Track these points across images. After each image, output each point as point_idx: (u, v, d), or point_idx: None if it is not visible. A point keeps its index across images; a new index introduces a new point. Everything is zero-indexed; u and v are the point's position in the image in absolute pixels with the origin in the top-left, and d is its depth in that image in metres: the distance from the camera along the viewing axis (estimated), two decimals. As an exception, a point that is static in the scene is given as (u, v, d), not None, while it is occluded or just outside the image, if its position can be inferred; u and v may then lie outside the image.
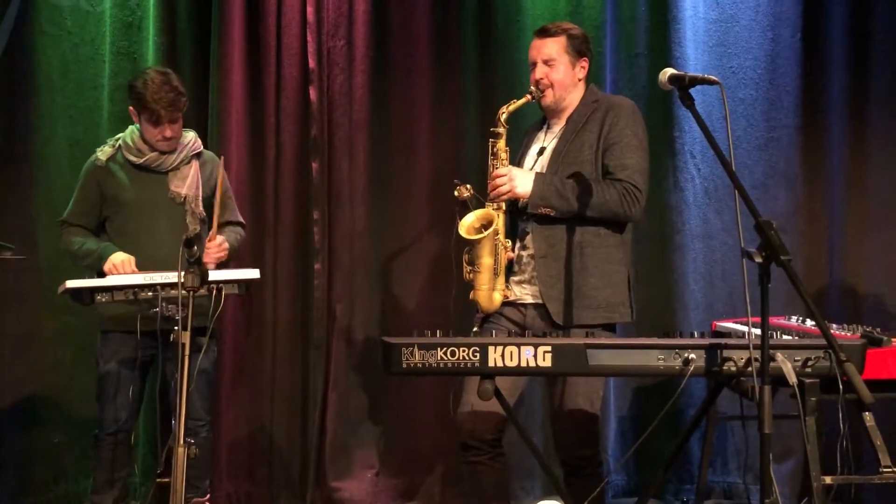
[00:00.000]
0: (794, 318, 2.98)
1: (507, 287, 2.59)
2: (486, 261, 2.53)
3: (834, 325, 2.82)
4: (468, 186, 2.55)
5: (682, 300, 3.68)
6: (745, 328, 2.85)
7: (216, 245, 2.83)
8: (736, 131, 3.70)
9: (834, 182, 3.70)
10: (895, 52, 3.64)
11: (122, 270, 2.76)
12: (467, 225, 2.54)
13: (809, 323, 2.90)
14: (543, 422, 3.60)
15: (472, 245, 2.54)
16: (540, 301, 2.55)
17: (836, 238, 3.69)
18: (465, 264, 2.58)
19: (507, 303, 2.62)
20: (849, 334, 2.64)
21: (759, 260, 1.78)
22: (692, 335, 2.07)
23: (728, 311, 3.59)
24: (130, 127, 2.96)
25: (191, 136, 2.98)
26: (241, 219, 3.13)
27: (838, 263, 3.68)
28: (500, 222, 2.56)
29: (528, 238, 2.59)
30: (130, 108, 2.90)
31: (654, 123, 3.64)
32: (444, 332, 2.10)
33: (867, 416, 2.50)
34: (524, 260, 2.60)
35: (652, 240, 3.68)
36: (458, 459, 2.65)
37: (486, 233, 2.51)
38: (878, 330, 2.64)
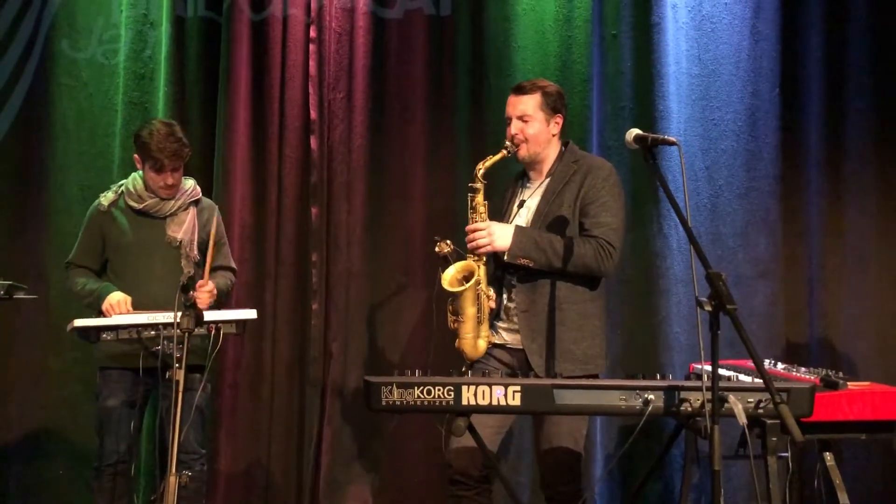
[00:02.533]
0: (767, 362, 3.10)
1: (491, 333, 2.71)
2: (469, 311, 2.64)
3: (803, 369, 2.94)
4: (448, 242, 2.67)
5: (666, 342, 3.79)
6: (726, 372, 2.98)
7: (206, 290, 2.93)
8: (718, 181, 3.87)
9: (812, 229, 3.84)
10: (869, 106, 3.82)
11: (117, 310, 2.88)
12: (449, 277, 2.65)
13: (780, 366, 3.02)
14: (534, 460, 3.70)
15: (455, 296, 2.65)
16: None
17: (816, 283, 3.82)
18: (449, 314, 2.69)
19: (498, 345, 2.74)
20: (809, 377, 2.77)
21: (708, 308, 1.93)
22: (655, 377, 2.20)
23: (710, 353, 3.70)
24: (133, 174, 3.12)
25: (190, 184, 3.13)
26: (233, 265, 3.27)
27: (817, 308, 3.81)
28: (481, 272, 2.67)
29: (514, 292, 2.70)
30: (135, 155, 3.05)
31: (639, 172, 3.81)
32: (435, 372, 2.23)
33: (827, 456, 2.64)
34: (511, 311, 2.72)
35: (637, 283, 3.81)
36: (446, 495, 2.75)
37: (467, 285, 2.62)
38: (840, 374, 2.75)
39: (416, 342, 3.76)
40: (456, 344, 2.70)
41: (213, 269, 3.14)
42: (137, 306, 2.91)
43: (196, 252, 3.07)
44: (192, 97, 3.79)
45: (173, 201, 3.06)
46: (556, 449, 2.65)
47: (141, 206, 3.04)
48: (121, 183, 3.14)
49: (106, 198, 3.09)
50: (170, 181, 3.01)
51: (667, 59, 3.83)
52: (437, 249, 2.67)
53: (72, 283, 3.09)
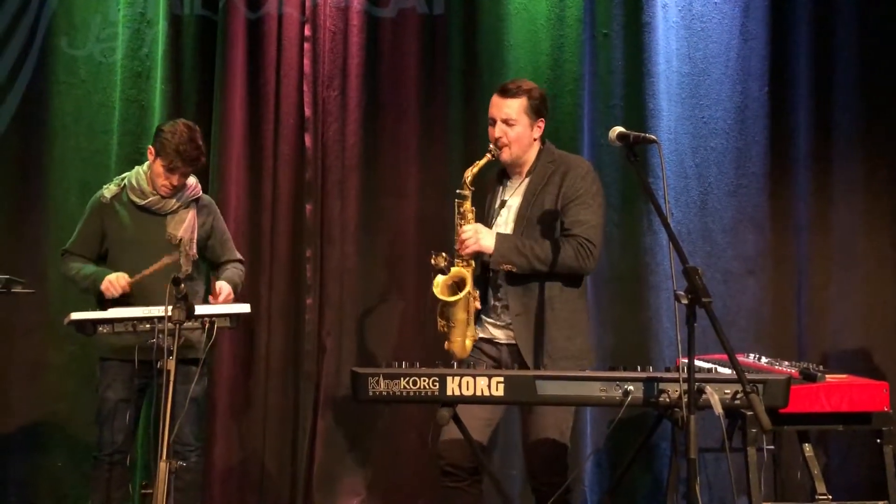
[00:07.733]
0: (751, 356, 3.15)
1: (477, 328, 2.76)
2: (460, 316, 2.69)
3: (786, 363, 2.99)
4: (444, 255, 2.70)
5: (656, 337, 3.85)
6: (706, 364, 3.03)
7: (221, 300, 3.00)
8: (708, 178, 3.92)
9: (800, 226, 3.90)
10: (856, 104, 3.88)
11: (116, 285, 2.93)
12: (441, 285, 2.69)
13: (764, 360, 3.07)
14: (522, 452, 3.75)
15: (447, 303, 2.69)
16: (513, 342, 2.73)
17: (803, 279, 3.88)
18: (438, 318, 2.73)
19: (485, 339, 2.80)
20: (789, 370, 2.82)
21: (685, 302, 1.98)
22: (636, 369, 2.26)
23: (700, 347, 3.75)
24: (137, 168, 3.14)
25: (192, 182, 3.16)
26: (240, 256, 3.31)
27: (805, 303, 3.87)
28: (470, 280, 2.71)
29: (501, 291, 2.75)
30: (150, 147, 3.06)
31: (629, 169, 3.85)
32: (427, 364, 2.28)
33: (806, 446, 2.69)
34: (499, 309, 2.77)
35: (627, 279, 3.86)
36: (439, 486, 2.80)
37: (461, 294, 2.67)
38: (819, 366, 2.81)
39: (410, 336, 3.81)
40: (446, 346, 2.74)
41: (223, 263, 3.21)
42: (135, 302, 2.94)
43: (195, 250, 3.10)
44: (188, 94, 3.83)
45: (175, 199, 3.09)
46: (541, 441, 2.70)
47: (143, 202, 3.07)
48: (123, 176, 3.16)
49: (108, 190, 3.11)
50: (175, 182, 3.03)
51: (657, 58, 3.88)
52: (433, 262, 2.69)
53: (66, 268, 3.11)
